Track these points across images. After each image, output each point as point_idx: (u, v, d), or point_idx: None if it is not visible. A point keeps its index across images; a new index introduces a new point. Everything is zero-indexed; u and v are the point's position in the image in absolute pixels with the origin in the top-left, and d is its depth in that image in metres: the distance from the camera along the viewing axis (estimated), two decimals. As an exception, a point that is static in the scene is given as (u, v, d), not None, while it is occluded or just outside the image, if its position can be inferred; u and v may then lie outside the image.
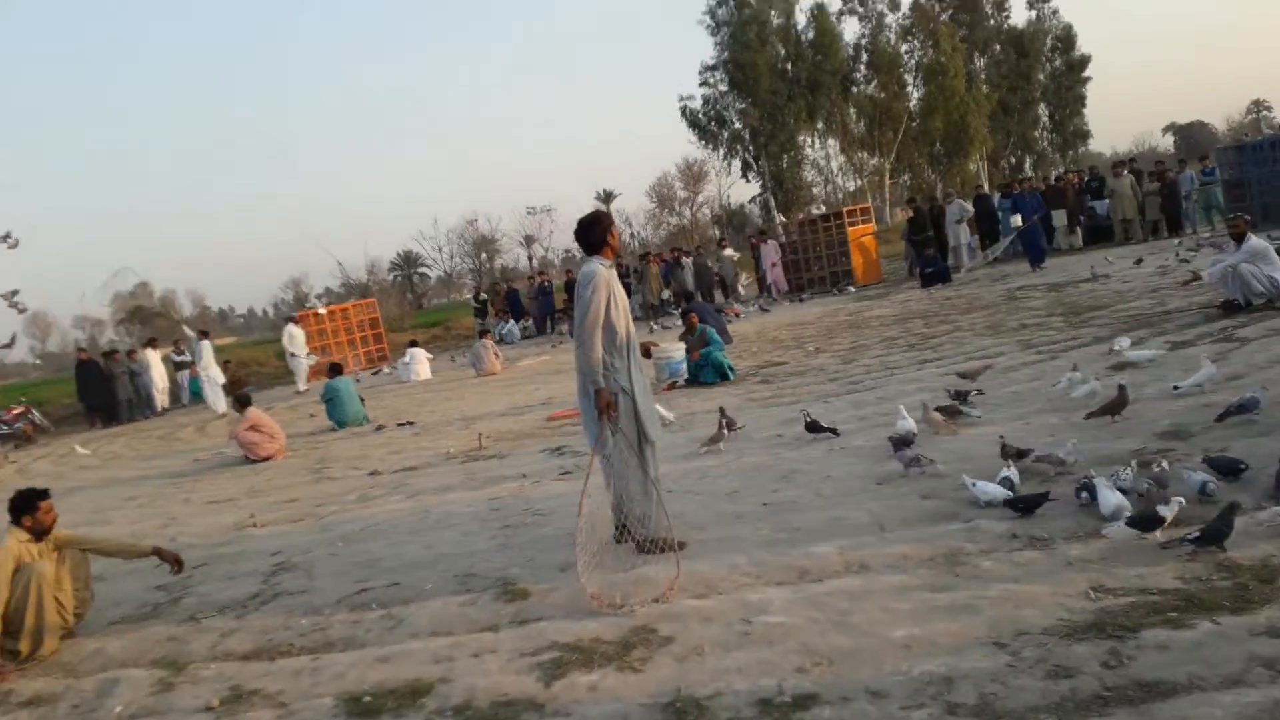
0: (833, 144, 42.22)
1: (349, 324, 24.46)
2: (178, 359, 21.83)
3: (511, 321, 24.71)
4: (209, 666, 4.34)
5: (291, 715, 3.63)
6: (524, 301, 26.18)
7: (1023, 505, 4.36)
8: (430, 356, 18.64)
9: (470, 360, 17.31)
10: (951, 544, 4.19)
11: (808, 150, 41.57)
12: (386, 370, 21.03)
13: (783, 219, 35.08)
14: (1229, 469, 4.30)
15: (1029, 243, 17.02)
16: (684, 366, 10.42)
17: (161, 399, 20.76)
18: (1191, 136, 73.01)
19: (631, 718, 3.13)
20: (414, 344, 19.47)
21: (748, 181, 40.84)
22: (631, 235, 66.47)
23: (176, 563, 5.43)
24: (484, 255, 65.44)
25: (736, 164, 40.08)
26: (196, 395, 19.24)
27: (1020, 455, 5.00)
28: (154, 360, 20.97)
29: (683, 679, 3.33)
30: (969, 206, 20.06)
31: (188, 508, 8.62)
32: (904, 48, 40.86)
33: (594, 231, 4.80)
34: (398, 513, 6.78)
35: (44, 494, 5.16)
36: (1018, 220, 17.66)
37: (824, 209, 39.22)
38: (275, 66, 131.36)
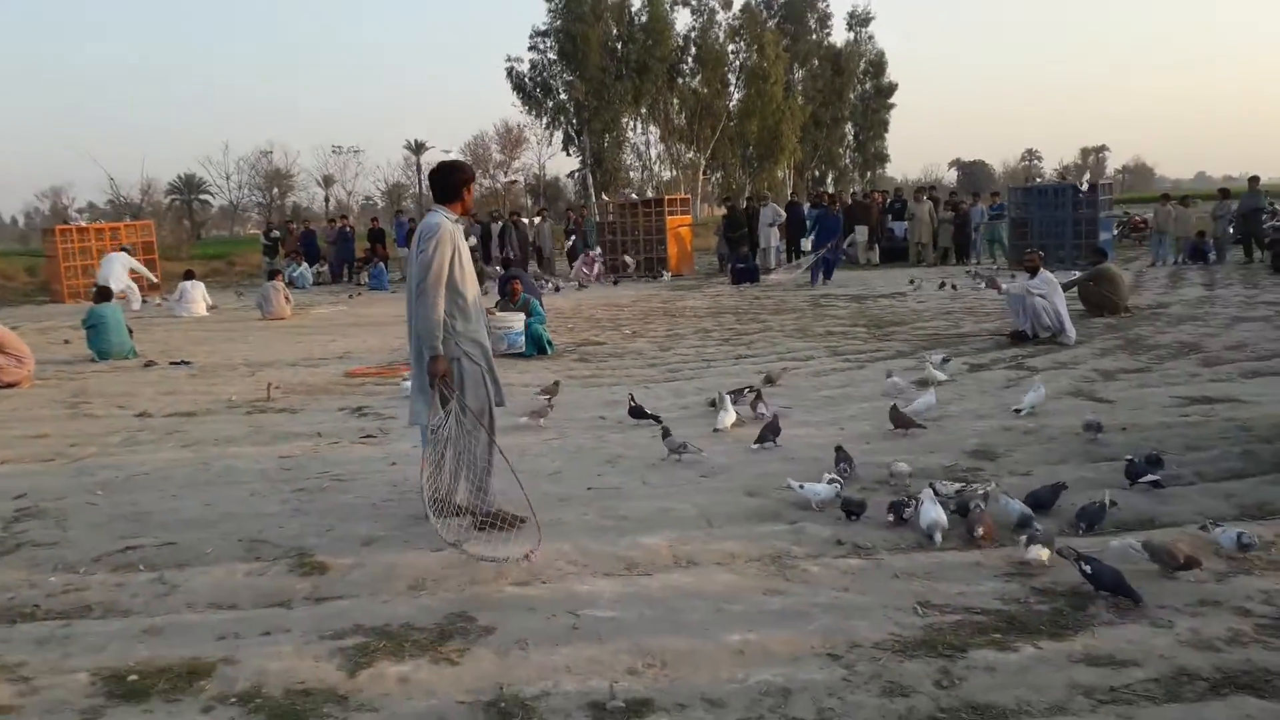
0: (654, 131, 42.61)
1: (117, 246, 22.09)
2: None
3: (305, 264, 23.17)
4: (-75, 631, 3.63)
5: (36, 693, 3.06)
6: (320, 245, 24.66)
7: (854, 509, 4.41)
8: (209, 302, 17.04)
9: (257, 301, 16.05)
10: (778, 545, 4.16)
11: (630, 134, 41.76)
12: (158, 301, 19.15)
13: (605, 197, 35.04)
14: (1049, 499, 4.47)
15: (826, 261, 17.75)
16: (521, 339, 10.01)
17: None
18: (974, 173, 79.79)
19: (449, 716, 2.84)
20: (190, 275, 17.80)
21: (568, 155, 40.59)
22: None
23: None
24: (276, 190, 61.44)
25: (559, 136, 39.68)
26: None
27: (848, 461, 5.07)
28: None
29: (506, 675, 3.07)
30: (782, 211, 20.83)
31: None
32: (731, 47, 41.78)
33: (454, 177, 4.39)
34: (172, 462, 6.07)
35: None
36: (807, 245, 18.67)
37: (636, 194, 39.65)
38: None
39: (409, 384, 7.70)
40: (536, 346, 9.99)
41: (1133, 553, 3.68)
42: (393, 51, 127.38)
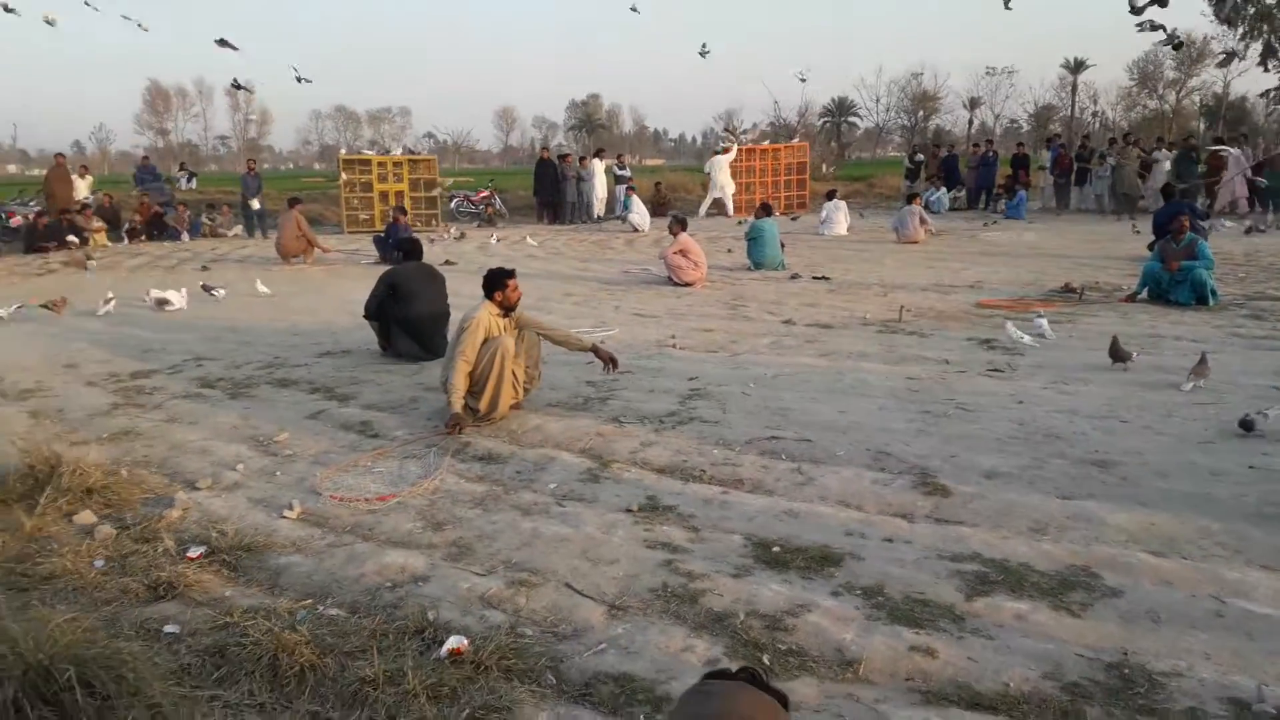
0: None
1: (777, 165, 24.49)
2: (619, 172, 23.37)
3: (944, 189, 23.24)
4: (629, 469, 4.61)
5: (703, 542, 3.73)
6: (961, 169, 24.43)
7: None
8: (848, 217, 18.06)
9: (893, 223, 16.60)
10: None
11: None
12: (795, 218, 20.86)
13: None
14: None
15: None
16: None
17: (600, 207, 22.49)
18: None
19: (1065, 664, 2.78)
20: (832, 194, 19.02)
21: (1265, 70, 33.97)
22: (1094, 115, 59.16)
23: (611, 362, 5.79)
24: (921, 113, 62.09)
25: (1256, 46, 33.35)
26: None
27: None
28: (598, 170, 22.65)
29: (1132, 642, 2.90)
30: None
31: (616, 315, 9.27)
32: None
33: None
34: (811, 368, 6.70)
35: (511, 273, 5.69)
36: None
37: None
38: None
39: (1044, 322, 7.51)
40: (1197, 295, 8.78)
41: None
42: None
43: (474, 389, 5.44)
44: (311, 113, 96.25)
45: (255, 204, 18.90)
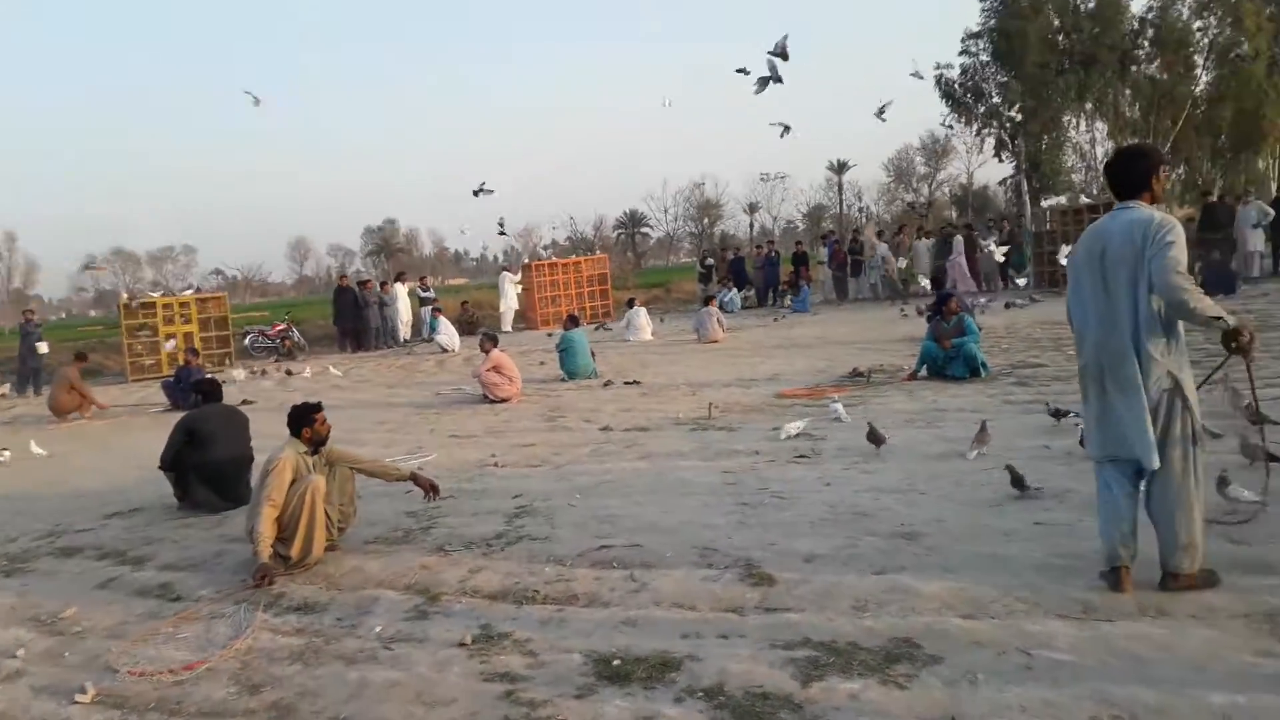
0: (1100, 128, 38.83)
1: (579, 278, 25.11)
2: (422, 294, 23.21)
3: (734, 290, 24.54)
4: (459, 600, 4.48)
5: (542, 666, 3.65)
6: (749, 270, 25.92)
7: None
8: (650, 323, 18.77)
9: (694, 325, 17.32)
10: (1271, 601, 3.63)
11: (1071, 132, 38.48)
12: (608, 327, 21.43)
13: (1052, 201, 32.68)
14: None
15: None
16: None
17: (406, 331, 22.18)
18: None
19: (899, 739, 2.89)
20: (631, 303, 19.69)
21: (1000, 161, 38.40)
22: (860, 210, 64.52)
23: (431, 489, 5.66)
24: (706, 220, 65.65)
25: (989, 142, 37.74)
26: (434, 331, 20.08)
27: None
28: (401, 294, 22.43)
29: (956, 706, 3.06)
30: (1269, 209, 17.82)
31: (432, 438, 9.09)
32: (1197, 24, 36.76)
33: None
34: (633, 471, 6.81)
35: (317, 406, 5.51)
36: None
37: (1082, 198, 36.25)
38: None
39: (839, 407, 7.99)
40: (969, 368, 9.63)
41: None
42: (818, 77, 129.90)
43: (284, 535, 5.16)
44: (86, 256, 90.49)
45: (44, 347, 17.26)
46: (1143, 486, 3.85)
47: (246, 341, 21.97)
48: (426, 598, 4.53)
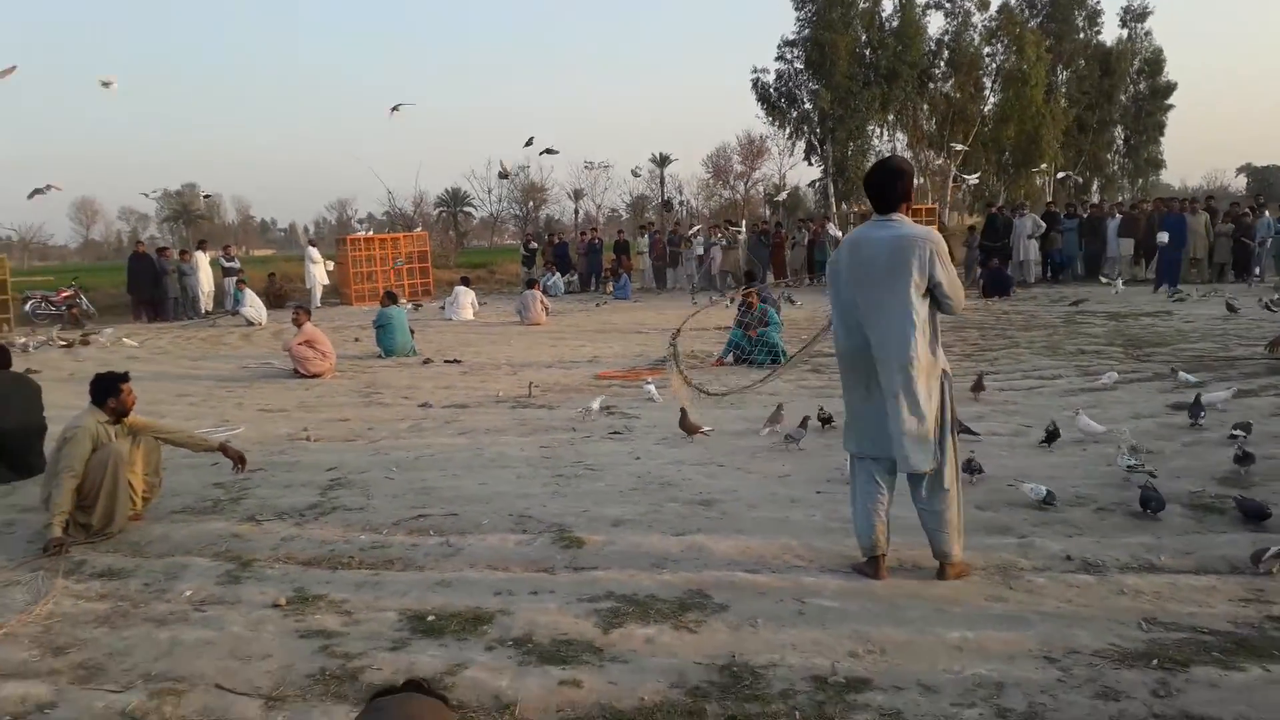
0: (901, 138, 41.63)
1: (398, 254, 24.60)
2: (226, 264, 22.11)
3: (557, 274, 24.80)
4: (273, 566, 4.52)
5: (357, 624, 3.79)
6: (572, 256, 26.25)
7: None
8: (476, 304, 18.74)
9: (516, 307, 17.46)
10: (1006, 557, 4.26)
11: (875, 141, 41.07)
12: (419, 306, 21.07)
13: (857, 208, 34.75)
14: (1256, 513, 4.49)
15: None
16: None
17: (207, 302, 21.08)
18: (1267, 180, 70.99)
19: (688, 673, 3.25)
20: (465, 281, 19.61)
21: (810, 165, 40.44)
22: (682, 204, 66.19)
23: (240, 461, 5.61)
24: (531, 203, 65.48)
25: (801, 145, 39.71)
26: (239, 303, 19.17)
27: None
28: (203, 263, 21.27)
29: (738, 646, 3.45)
30: (1042, 223, 19.90)
31: (240, 412, 8.85)
32: (987, 50, 40.04)
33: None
34: (451, 446, 6.95)
35: (124, 376, 5.36)
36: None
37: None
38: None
39: (651, 387, 8.42)
40: (771, 355, 10.32)
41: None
42: (643, 70, 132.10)
43: (85, 503, 5.00)
44: None
45: None
46: (903, 478, 4.04)
47: (28, 308, 20.21)
48: (239, 564, 4.54)
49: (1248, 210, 19.50)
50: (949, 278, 3.91)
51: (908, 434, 3.84)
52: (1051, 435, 6.20)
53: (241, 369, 12.05)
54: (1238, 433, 5.91)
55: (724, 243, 22.95)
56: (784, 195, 38.97)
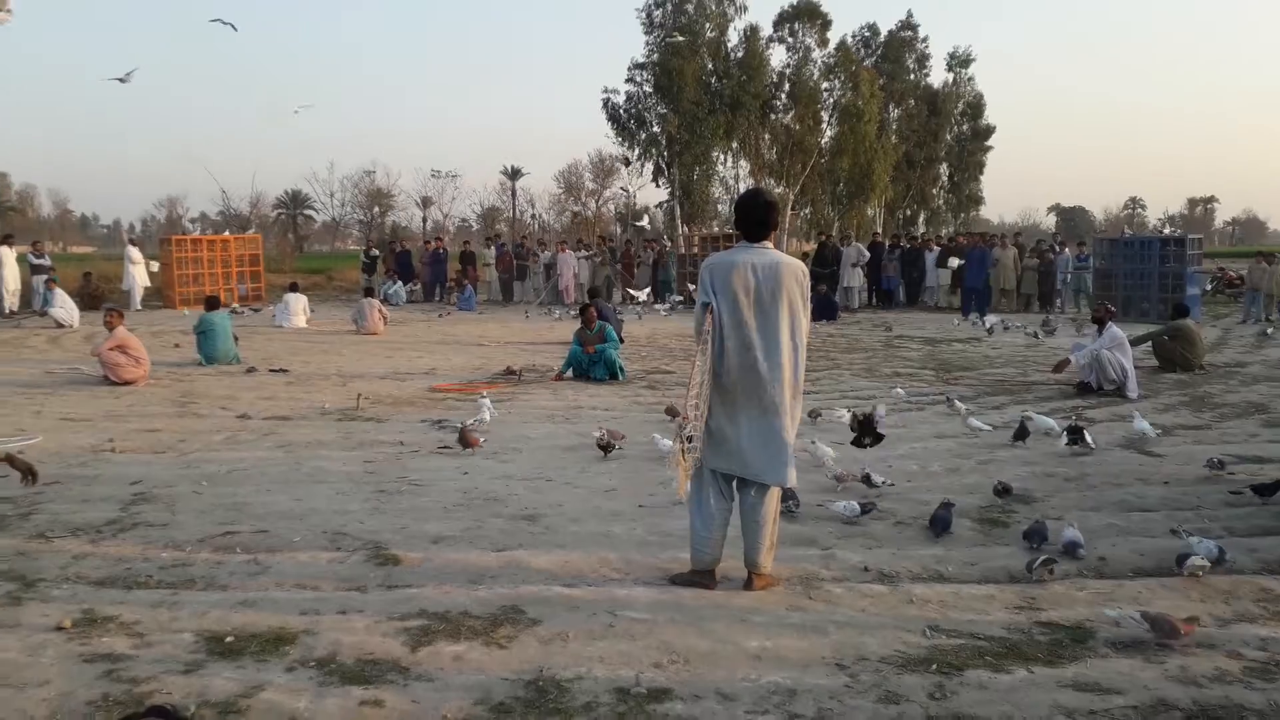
0: (744, 165, 43.07)
1: (227, 256, 23.45)
2: (35, 261, 20.50)
3: (399, 282, 24.26)
4: (60, 586, 4.23)
5: (149, 646, 3.59)
6: (416, 265, 25.75)
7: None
8: (309, 311, 18.07)
9: (353, 315, 16.96)
10: (809, 568, 4.48)
11: (719, 167, 42.30)
12: (238, 310, 20.15)
13: (686, 230, 35.65)
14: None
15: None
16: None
17: (11, 300, 19.47)
18: (1073, 220, 77.59)
19: (493, 689, 3.26)
20: (295, 287, 18.88)
21: (657, 186, 41.23)
22: (533, 217, 66.09)
23: (30, 473, 5.24)
24: (377, 209, 63.79)
25: (649, 167, 40.42)
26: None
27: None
28: (8, 259, 19.63)
29: (547, 660, 3.48)
30: (866, 251, 21.09)
31: (39, 421, 8.23)
32: (825, 85, 42.00)
33: None
34: (267, 460, 6.69)
35: None
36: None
37: (728, 228, 39.91)
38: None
39: (486, 402, 8.36)
40: (609, 371, 10.46)
41: (1132, 623, 3.67)
42: (495, 81, 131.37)
43: None
44: None
45: None
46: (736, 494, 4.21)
47: None
48: (21, 584, 4.23)
49: (1051, 247, 21.30)
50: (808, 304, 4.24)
51: (787, 450, 4.07)
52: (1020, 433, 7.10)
53: (46, 374, 11.19)
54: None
55: (596, 257, 23.22)
56: (646, 221, 39.51)
